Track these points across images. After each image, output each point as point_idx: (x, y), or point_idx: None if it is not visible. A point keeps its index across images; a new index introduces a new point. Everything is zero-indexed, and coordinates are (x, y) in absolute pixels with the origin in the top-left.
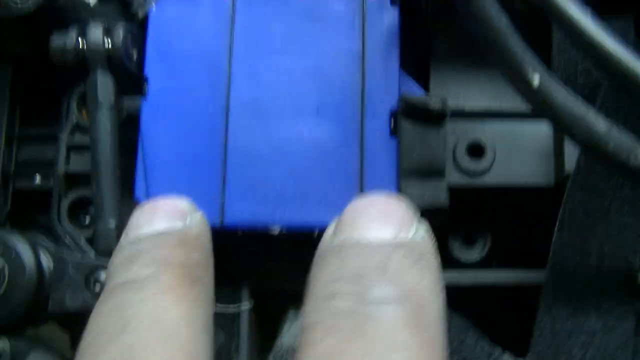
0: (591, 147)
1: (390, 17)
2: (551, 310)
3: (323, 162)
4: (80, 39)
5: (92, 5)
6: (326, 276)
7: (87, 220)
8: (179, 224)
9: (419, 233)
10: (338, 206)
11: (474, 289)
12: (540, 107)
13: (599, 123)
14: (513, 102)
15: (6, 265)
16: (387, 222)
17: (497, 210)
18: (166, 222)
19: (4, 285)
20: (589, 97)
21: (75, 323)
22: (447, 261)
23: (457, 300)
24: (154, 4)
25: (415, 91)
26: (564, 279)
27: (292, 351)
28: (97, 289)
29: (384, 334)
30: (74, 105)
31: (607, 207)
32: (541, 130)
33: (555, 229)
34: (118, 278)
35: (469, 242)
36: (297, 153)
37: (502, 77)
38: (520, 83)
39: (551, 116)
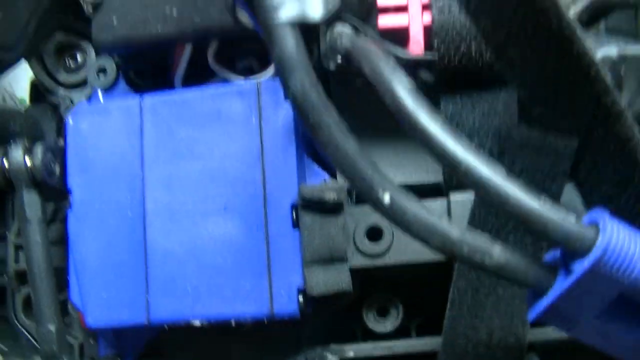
0: (448, 252)
1: (285, 112)
2: None
3: (233, 257)
4: (4, 160)
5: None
6: None
7: None
8: None
9: None
10: (250, 297)
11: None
12: (394, 221)
13: (452, 230)
14: (415, 176)
15: None
16: None
17: (405, 283)
18: None
19: None
20: None
21: None
22: (363, 333)
23: None
24: (70, 117)
25: (320, 177)
26: (455, 355)
27: None
28: None
29: None
30: (17, 206)
31: (495, 282)
32: (435, 206)
33: (447, 307)
34: None
35: (382, 313)
36: (209, 250)
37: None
38: (373, 201)
39: (406, 229)
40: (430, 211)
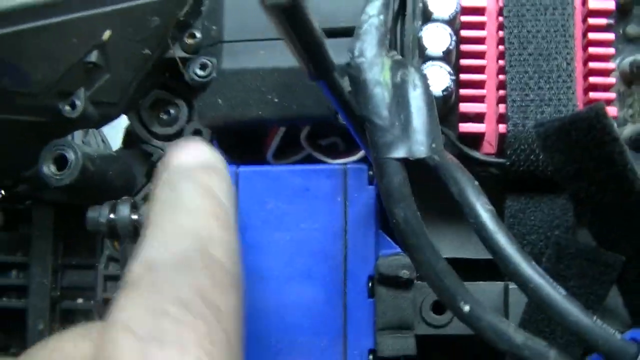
0: (512, 355)
1: (368, 195)
2: None
3: (313, 319)
4: (111, 214)
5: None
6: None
7: None
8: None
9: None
10: (326, 356)
11: None
12: (470, 326)
13: (517, 337)
14: (472, 253)
15: None
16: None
17: (462, 350)
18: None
19: None
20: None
21: None
22: None
23: None
24: None
25: (392, 250)
26: None
27: None
28: None
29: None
30: (107, 240)
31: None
32: (495, 288)
33: None
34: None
35: None
36: (292, 311)
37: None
38: (454, 309)
39: (479, 333)
40: (500, 319)
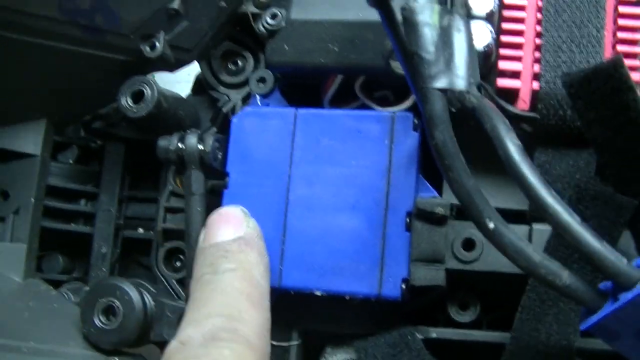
0: (529, 271)
1: (412, 140)
2: None
3: (355, 246)
4: (180, 144)
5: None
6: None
7: (178, 264)
8: (240, 231)
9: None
10: (364, 280)
11: (464, 344)
12: (493, 242)
13: (534, 255)
14: (507, 203)
15: (120, 305)
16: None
17: (486, 286)
18: (233, 231)
19: (120, 319)
20: None
21: None
22: (445, 321)
23: (450, 351)
24: (234, 108)
25: (430, 193)
26: (519, 350)
27: None
28: None
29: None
30: (170, 176)
31: (558, 297)
32: (520, 230)
33: (518, 310)
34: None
35: (463, 308)
36: (336, 238)
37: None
38: (481, 225)
39: (501, 249)
40: (521, 238)
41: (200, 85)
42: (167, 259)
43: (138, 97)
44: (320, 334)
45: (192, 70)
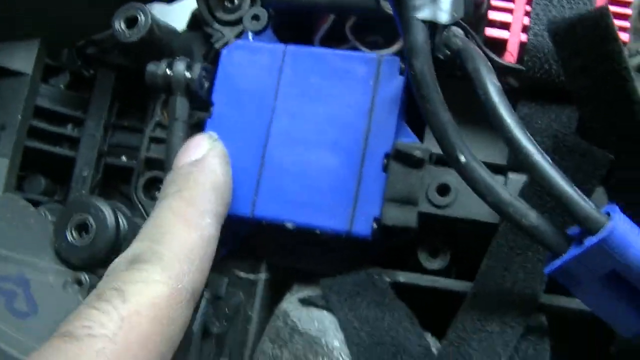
0: (497, 209)
1: (397, 83)
2: (467, 313)
3: (331, 182)
4: (168, 70)
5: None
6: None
7: (157, 193)
8: (198, 154)
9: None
10: (336, 216)
11: (432, 291)
12: (464, 177)
13: (504, 193)
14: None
15: (94, 222)
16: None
17: (458, 234)
18: (192, 155)
19: (92, 236)
20: None
21: None
22: (415, 267)
23: (418, 299)
24: (227, 45)
25: (411, 139)
26: (483, 295)
27: (287, 314)
28: None
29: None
30: (158, 107)
31: (527, 246)
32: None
33: (485, 256)
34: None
35: (434, 255)
36: (314, 173)
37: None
38: (452, 159)
39: (471, 185)
40: (491, 176)
41: (195, 21)
42: (147, 188)
43: (132, 22)
44: (289, 271)
45: (189, 6)
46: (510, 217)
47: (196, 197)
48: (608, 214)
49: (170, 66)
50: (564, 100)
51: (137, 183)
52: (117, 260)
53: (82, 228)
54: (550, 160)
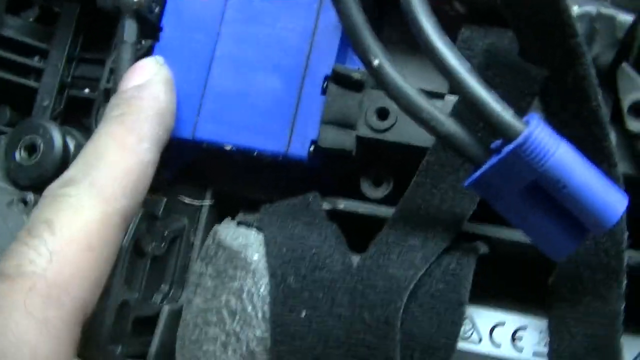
0: (410, 113)
1: None
2: (391, 228)
3: (270, 104)
4: None
5: None
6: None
7: None
8: (142, 79)
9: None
10: (274, 138)
11: (373, 219)
12: (377, 80)
13: (417, 97)
14: (425, 84)
15: (42, 142)
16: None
17: (400, 162)
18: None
19: (39, 156)
20: None
21: None
22: (358, 196)
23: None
24: None
25: (355, 66)
26: (409, 212)
27: (216, 232)
28: None
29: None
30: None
31: (459, 164)
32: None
33: (415, 175)
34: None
35: (377, 183)
36: (254, 96)
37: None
38: (365, 63)
39: (384, 87)
40: (405, 79)
41: None
42: None
43: None
44: (235, 199)
45: None
46: (424, 123)
47: (136, 122)
48: (527, 122)
49: None
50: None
51: (97, 114)
52: (52, 184)
53: (31, 149)
54: (468, 66)
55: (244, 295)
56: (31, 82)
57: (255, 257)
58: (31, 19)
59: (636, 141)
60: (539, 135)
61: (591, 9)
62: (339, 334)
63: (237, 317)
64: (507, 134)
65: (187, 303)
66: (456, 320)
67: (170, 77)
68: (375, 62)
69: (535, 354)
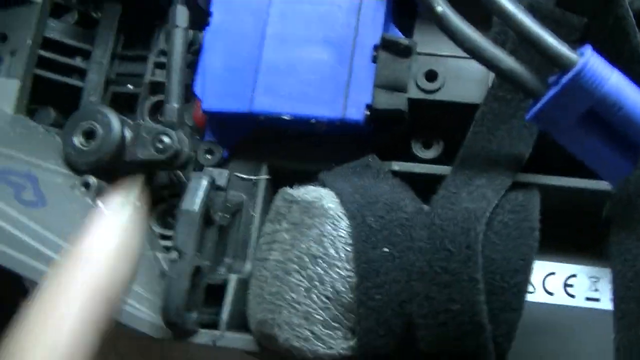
0: (473, 54)
1: None
2: (455, 174)
3: (323, 75)
4: None
5: None
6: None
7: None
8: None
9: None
10: (330, 105)
11: (428, 178)
12: (441, 26)
13: (479, 39)
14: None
15: (100, 127)
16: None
17: (449, 122)
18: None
19: (98, 140)
20: None
21: None
22: (410, 157)
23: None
24: None
25: (398, 36)
26: (470, 157)
27: (285, 192)
28: (161, 146)
29: None
30: (162, 36)
31: (512, 113)
32: (479, 66)
33: (472, 124)
34: None
35: (427, 146)
36: (307, 68)
37: None
38: (430, 11)
39: (447, 33)
40: (468, 25)
41: None
42: (152, 113)
43: None
44: (289, 172)
45: None
46: (487, 62)
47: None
48: (581, 53)
49: None
50: None
51: (143, 107)
52: None
53: (90, 134)
54: (525, 12)
55: (325, 240)
56: (75, 81)
57: (332, 204)
58: (72, 22)
59: None
60: (595, 63)
61: None
62: (422, 265)
63: (320, 261)
64: (565, 65)
65: (261, 262)
66: (531, 243)
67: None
68: (439, 9)
69: (587, 299)
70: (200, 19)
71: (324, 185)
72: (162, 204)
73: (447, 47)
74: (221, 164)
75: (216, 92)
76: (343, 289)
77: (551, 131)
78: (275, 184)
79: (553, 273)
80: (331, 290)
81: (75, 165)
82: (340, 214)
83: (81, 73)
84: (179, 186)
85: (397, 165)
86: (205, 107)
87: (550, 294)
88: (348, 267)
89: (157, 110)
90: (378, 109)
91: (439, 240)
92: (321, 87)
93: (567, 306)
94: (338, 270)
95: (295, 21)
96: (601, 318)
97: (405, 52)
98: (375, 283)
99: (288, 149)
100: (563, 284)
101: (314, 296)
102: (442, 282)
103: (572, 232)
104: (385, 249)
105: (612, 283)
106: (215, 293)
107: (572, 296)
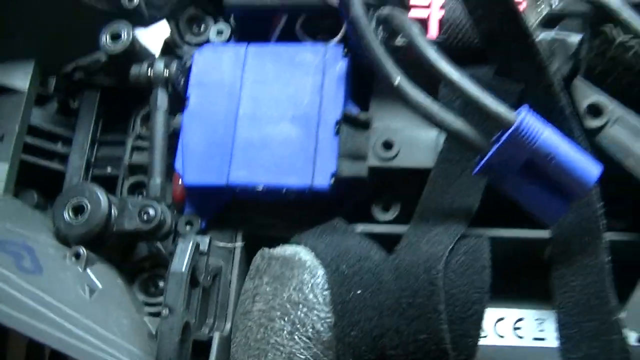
0: (426, 116)
1: (342, 64)
2: (415, 227)
3: (292, 148)
4: (149, 69)
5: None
6: None
7: (140, 197)
8: None
9: None
10: (299, 175)
11: (387, 236)
12: (399, 95)
13: (432, 105)
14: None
15: (89, 202)
16: None
17: (405, 187)
18: None
19: (87, 214)
20: None
21: None
22: (371, 219)
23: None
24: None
25: (356, 110)
26: (425, 212)
27: (264, 251)
28: (146, 217)
29: None
30: (138, 121)
31: (460, 172)
32: (429, 134)
33: (427, 183)
34: None
35: (386, 208)
36: (278, 143)
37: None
38: (388, 84)
39: (405, 102)
40: (422, 93)
41: (167, 46)
42: (131, 192)
43: (116, 36)
44: (262, 239)
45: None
46: (439, 124)
47: None
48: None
49: (151, 66)
50: (482, 61)
51: (122, 188)
52: None
53: (78, 209)
54: (465, 75)
55: (304, 287)
56: (57, 165)
57: (308, 257)
58: (53, 111)
59: (593, 136)
60: (529, 120)
61: (550, 34)
62: (391, 303)
63: (301, 306)
64: (504, 123)
65: (244, 315)
66: (484, 278)
67: None
68: (396, 82)
69: (534, 339)
70: (178, 103)
71: (298, 244)
72: (144, 273)
73: (401, 119)
74: (199, 234)
75: (196, 168)
76: (322, 329)
77: (496, 182)
78: (250, 250)
79: (503, 318)
80: (312, 330)
81: (66, 238)
82: (316, 264)
83: (62, 158)
84: (158, 257)
85: (360, 227)
86: (186, 182)
87: (501, 336)
88: (326, 309)
89: (135, 190)
90: (342, 176)
91: (404, 280)
92: (291, 159)
93: (517, 347)
94: (317, 312)
95: (265, 102)
96: (548, 354)
97: (364, 125)
98: (350, 322)
99: (262, 216)
100: (512, 327)
101: (296, 337)
102: (409, 316)
103: (518, 280)
104: (358, 292)
105: (555, 313)
106: (201, 350)
107: (521, 337)
